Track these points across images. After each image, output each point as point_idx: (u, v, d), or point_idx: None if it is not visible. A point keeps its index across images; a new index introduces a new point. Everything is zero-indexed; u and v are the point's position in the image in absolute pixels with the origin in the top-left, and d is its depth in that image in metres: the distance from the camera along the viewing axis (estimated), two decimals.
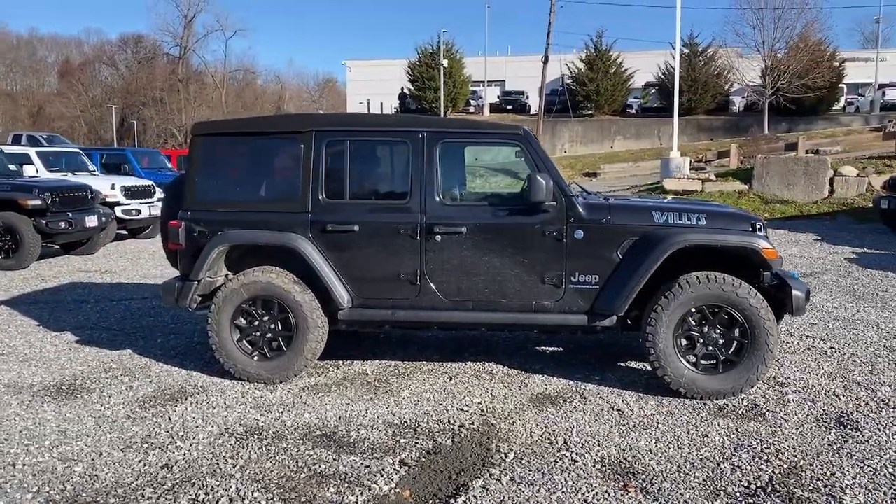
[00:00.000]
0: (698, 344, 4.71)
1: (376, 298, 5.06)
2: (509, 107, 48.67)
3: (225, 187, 5.30)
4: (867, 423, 4.26)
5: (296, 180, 5.08)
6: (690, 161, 24.30)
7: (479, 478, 3.61)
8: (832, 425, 4.26)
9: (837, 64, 39.16)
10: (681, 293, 4.64)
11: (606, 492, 3.45)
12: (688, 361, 4.70)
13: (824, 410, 4.50)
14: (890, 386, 4.94)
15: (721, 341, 4.69)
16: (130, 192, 13.45)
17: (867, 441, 4.00)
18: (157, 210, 13.98)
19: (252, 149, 5.28)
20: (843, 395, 4.76)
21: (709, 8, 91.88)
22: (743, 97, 43.13)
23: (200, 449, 3.98)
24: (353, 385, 5.07)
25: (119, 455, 3.91)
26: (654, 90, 44.71)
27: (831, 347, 5.92)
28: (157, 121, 67.46)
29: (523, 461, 3.80)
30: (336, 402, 4.73)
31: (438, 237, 4.91)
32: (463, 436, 4.16)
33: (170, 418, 4.43)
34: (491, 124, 5.41)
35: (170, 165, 18.01)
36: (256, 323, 5.09)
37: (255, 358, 5.09)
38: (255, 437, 4.15)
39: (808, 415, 4.43)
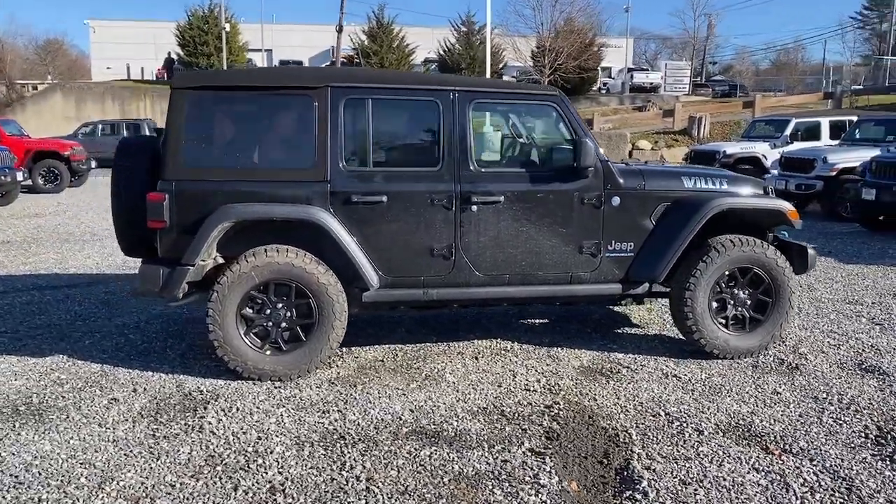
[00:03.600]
0: (728, 305, 4.85)
1: (406, 277, 4.57)
2: None
3: (220, 153, 4.44)
4: (890, 367, 4.68)
5: (309, 145, 4.38)
6: None
7: (632, 459, 3.40)
8: (857, 370, 4.63)
9: (597, 49, 42.90)
10: (718, 257, 4.73)
11: (759, 457, 3.42)
12: (719, 323, 4.84)
13: (840, 359, 4.87)
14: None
15: (748, 302, 4.87)
16: None
17: None
18: None
19: (253, 107, 4.46)
20: (843, 344, 5.20)
21: None
22: (512, 76, 45.65)
23: (292, 464, 3.31)
24: (379, 374, 4.55)
25: (196, 484, 3.12)
26: (434, 66, 45.70)
27: None
28: None
29: (649, 437, 3.65)
30: (386, 393, 4.20)
31: (474, 207, 4.53)
32: (563, 416, 3.90)
33: (213, 432, 3.64)
34: (526, 84, 5.08)
35: None
36: (268, 311, 4.35)
37: (268, 352, 4.37)
38: (343, 442, 3.54)
39: (832, 364, 4.77)
